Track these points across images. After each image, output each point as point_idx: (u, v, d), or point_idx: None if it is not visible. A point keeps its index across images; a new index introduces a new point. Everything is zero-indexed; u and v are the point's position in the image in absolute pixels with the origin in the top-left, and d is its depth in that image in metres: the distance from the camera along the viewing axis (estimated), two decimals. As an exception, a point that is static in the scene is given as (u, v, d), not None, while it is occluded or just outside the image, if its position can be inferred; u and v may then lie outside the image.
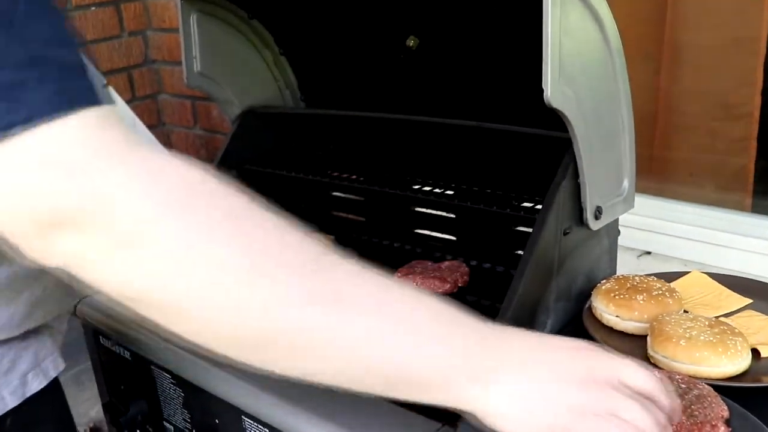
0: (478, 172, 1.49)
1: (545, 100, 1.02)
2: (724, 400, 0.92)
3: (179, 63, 1.59)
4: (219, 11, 1.59)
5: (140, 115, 2.46)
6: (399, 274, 1.43)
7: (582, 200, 1.16)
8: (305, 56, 1.72)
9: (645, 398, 0.70)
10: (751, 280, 1.29)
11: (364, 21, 1.53)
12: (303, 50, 1.71)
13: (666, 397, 0.72)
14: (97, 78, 0.77)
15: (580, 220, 1.18)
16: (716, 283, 1.28)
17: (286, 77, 1.75)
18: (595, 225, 1.18)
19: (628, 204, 1.26)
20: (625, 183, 1.24)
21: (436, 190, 1.40)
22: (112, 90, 2.29)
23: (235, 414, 1.19)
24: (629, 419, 0.67)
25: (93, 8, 2.40)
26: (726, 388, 0.97)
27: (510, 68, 1.33)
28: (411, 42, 1.44)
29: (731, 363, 1.00)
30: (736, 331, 1.05)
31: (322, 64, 1.71)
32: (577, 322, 1.20)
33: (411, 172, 1.55)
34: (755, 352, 1.06)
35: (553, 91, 1.02)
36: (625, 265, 1.43)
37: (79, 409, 2.60)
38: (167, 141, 2.69)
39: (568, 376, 0.69)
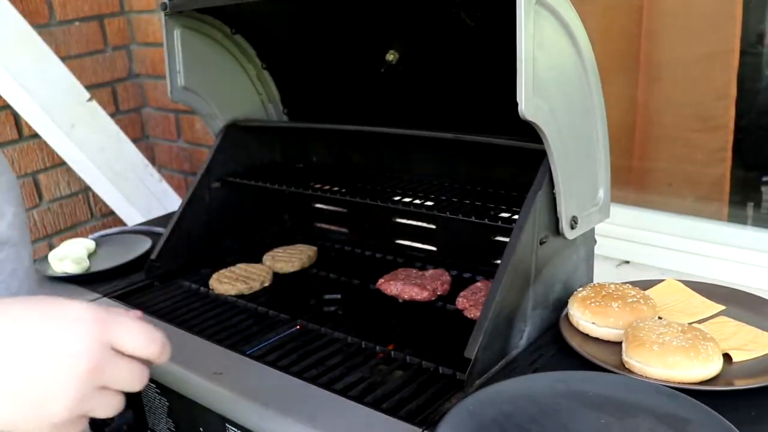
0: (458, 182, 1.52)
1: (520, 113, 1.04)
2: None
3: (163, 77, 1.61)
4: (202, 27, 1.62)
5: (124, 129, 2.48)
6: (383, 281, 1.46)
7: (558, 210, 1.18)
8: (288, 70, 1.75)
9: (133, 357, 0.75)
10: (724, 287, 1.31)
11: (345, 36, 1.55)
12: (285, 64, 1.74)
13: (153, 346, 0.76)
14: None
15: (557, 229, 1.20)
16: (690, 290, 1.31)
17: (268, 91, 1.77)
18: (570, 234, 1.21)
19: (604, 213, 1.28)
20: (601, 193, 1.26)
21: (417, 202, 1.42)
22: (95, 104, 2.31)
23: (220, 423, 1.20)
24: (117, 385, 0.73)
25: (77, 23, 2.42)
26: (698, 392, 0.99)
27: (487, 81, 1.36)
28: (391, 56, 1.46)
29: (703, 367, 1.02)
30: (708, 336, 1.08)
31: (304, 77, 1.73)
32: (555, 330, 1.22)
33: (392, 183, 1.58)
34: (727, 357, 1.08)
35: (528, 103, 1.04)
36: (604, 274, 1.45)
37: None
38: (151, 154, 2.71)
39: (58, 376, 0.70)
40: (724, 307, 1.24)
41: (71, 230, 2.52)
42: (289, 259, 1.63)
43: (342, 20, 1.52)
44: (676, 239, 1.65)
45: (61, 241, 2.47)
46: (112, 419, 1.42)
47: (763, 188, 1.85)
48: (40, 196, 2.41)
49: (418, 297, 1.41)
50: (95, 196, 2.51)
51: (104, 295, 1.51)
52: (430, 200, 1.43)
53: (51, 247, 2.44)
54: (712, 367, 1.03)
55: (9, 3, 2.11)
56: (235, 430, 1.18)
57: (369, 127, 1.53)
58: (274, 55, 1.72)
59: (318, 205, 1.85)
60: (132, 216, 2.43)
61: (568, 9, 1.10)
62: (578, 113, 1.17)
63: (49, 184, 2.43)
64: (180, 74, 1.60)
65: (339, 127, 1.62)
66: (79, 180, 2.45)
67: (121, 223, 2.51)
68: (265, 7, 1.58)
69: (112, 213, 2.56)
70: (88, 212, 2.56)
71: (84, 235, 2.48)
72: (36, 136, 2.32)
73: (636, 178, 2.02)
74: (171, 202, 2.52)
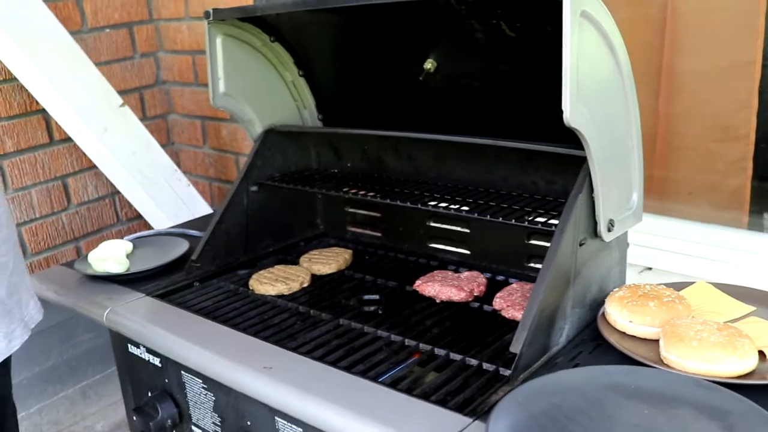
0: (493, 187, 1.56)
1: (564, 120, 1.09)
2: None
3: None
4: (243, 34, 1.67)
5: (151, 135, 2.53)
6: (420, 282, 1.51)
7: (596, 213, 1.23)
8: (324, 77, 1.79)
9: None
10: (753, 289, 1.36)
11: (382, 45, 1.60)
12: (322, 72, 1.79)
13: None
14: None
15: (594, 232, 1.25)
16: (720, 291, 1.35)
17: (304, 97, 1.82)
18: (608, 237, 1.26)
19: (637, 217, 1.33)
20: (635, 197, 1.31)
21: (453, 206, 1.47)
22: (128, 109, 2.36)
23: (269, 415, 1.25)
24: None
25: (107, 30, 2.47)
26: (735, 385, 1.04)
27: (525, 90, 1.41)
28: (429, 65, 1.50)
29: (740, 362, 1.07)
30: (744, 333, 1.12)
31: (340, 84, 1.78)
32: (592, 328, 1.27)
33: (425, 187, 1.62)
34: (761, 355, 1.13)
35: (573, 111, 1.09)
36: (627, 280, 1.49)
37: (85, 422, 2.65)
38: (176, 160, 2.75)
39: None
40: (754, 308, 1.29)
41: (98, 233, 2.57)
42: (326, 261, 1.68)
43: (380, 30, 1.57)
44: (697, 246, 1.69)
45: (88, 244, 2.53)
46: (156, 414, 1.47)
47: (784, 198, 1.89)
48: (69, 200, 2.46)
49: (456, 298, 1.45)
50: (122, 199, 2.56)
51: (147, 294, 1.56)
52: (466, 204, 1.47)
53: (78, 250, 2.49)
54: (749, 362, 1.08)
55: (48, 9, 2.17)
56: (285, 422, 1.23)
57: (403, 133, 1.58)
58: (310, 62, 1.77)
59: (351, 209, 1.90)
60: (159, 220, 2.47)
61: (609, 20, 1.15)
62: (616, 119, 1.22)
63: (77, 187, 2.48)
64: (221, 80, 1.65)
65: (374, 133, 1.67)
66: (107, 184, 2.50)
67: (147, 226, 2.55)
68: (303, 17, 1.63)
69: (138, 217, 2.60)
70: (115, 216, 2.61)
71: (110, 238, 2.53)
72: (66, 140, 2.37)
73: (657, 187, 2.06)
74: (198, 206, 2.56)
